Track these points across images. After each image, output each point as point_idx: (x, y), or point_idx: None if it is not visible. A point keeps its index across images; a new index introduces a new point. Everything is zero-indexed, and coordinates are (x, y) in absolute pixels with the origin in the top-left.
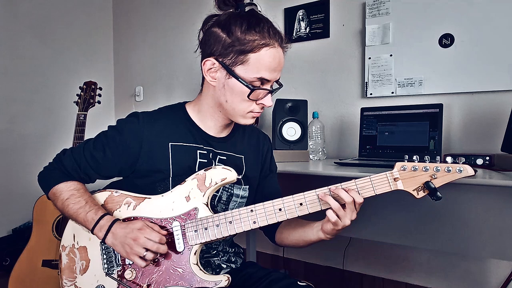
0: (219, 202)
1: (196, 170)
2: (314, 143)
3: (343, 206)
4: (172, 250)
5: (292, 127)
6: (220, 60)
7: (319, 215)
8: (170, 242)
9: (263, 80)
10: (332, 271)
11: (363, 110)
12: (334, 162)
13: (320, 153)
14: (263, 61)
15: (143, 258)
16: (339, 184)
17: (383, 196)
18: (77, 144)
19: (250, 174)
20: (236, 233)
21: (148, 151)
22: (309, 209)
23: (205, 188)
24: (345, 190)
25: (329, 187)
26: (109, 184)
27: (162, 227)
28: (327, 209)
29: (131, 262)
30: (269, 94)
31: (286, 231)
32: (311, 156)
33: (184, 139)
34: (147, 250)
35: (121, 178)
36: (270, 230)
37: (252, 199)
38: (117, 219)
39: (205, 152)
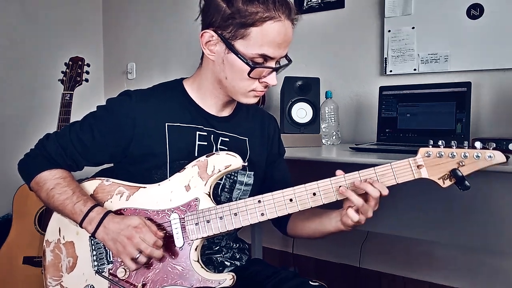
0: (222, 191)
1: (196, 154)
2: (327, 126)
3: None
4: (170, 245)
5: (303, 108)
6: (219, 32)
7: (334, 205)
8: (168, 236)
9: (266, 57)
10: (347, 269)
11: (382, 89)
12: (350, 147)
13: (334, 137)
14: (266, 36)
15: (135, 260)
16: (357, 173)
17: (405, 185)
18: (62, 128)
19: (255, 158)
20: (242, 227)
21: (142, 133)
22: (324, 199)
23: (207, 176)
24: (370, 183)
25: (349, 177)
26: (99, 171)
27: (159, 225)
28: (347, 205)
29: None
30: (274, 72)
31: (300, 222)
32: (324, 141)
33: (181, 119)
34: (140, 252)
35: (112, 165)
36: (280, 220)
37: (258, 187)
38: (110, 211)
39: (205, 133)
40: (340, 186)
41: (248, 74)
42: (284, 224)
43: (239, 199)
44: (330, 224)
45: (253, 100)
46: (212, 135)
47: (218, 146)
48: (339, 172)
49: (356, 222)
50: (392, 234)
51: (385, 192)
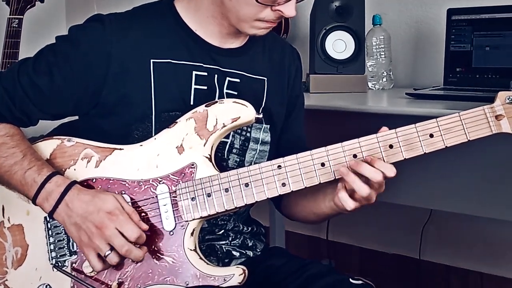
0: (230, 153)
1: (191, 102)
2: (376, 63)
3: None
4: (157, 229)
5: (341, 39)
6: None
7: None
8: (154, 217)
9: None
10: (402, 262)
11: (451, 12)
12: (406, 93)
13: (385, 80)
14: None
15: (102, 257)
16: (414, 126)
17: (480, 144)
18: (9, 67)
19: (273, 107)
20: (256, 202)
21: (119, 74)
22: None
23: (207, 133)
24: (368, 162)
25: (401, 132)
26: (56, 128)
27: (139, 204)
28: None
29: None
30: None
31: (294, 199)
32: (370, 84)
33: (173, 54)
34: (112, 248)
35: (77, 118)
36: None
37: (275, 148)
38: (74, 182)
39: (205, 73)
40: (344, 164)
41: None
42: (279, 200)
43: (254, 164)
44: (324, 203)
45: (261, 32)
46: (215, 75)
47: (225, 91)
48: (384, 129)
49: (353, 209)
50: (465, 214)
51: (391, 173)
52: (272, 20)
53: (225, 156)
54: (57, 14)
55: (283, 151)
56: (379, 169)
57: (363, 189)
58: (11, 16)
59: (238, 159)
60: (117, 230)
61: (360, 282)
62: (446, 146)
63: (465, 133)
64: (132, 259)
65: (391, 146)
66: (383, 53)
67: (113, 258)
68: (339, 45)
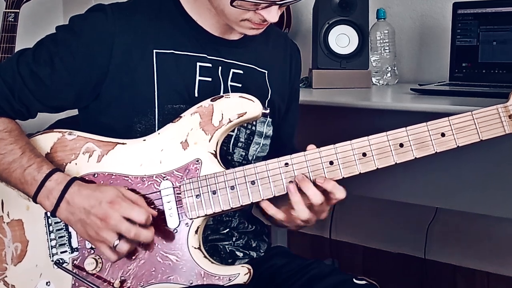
0: (235, 146)
1: (196, 94)
2: (380, 58)
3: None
4: (160, 226)
5: (344, 34)
6: None
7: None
8: (157, 213)
9: None
10: (407, 262)
11: (456, 5)
12: (411, 89)
13: (389, 75)
14: None
15: (113, 248)
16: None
17: (486, 141)
18: (6, 58)
19: (276, 100)
20: (262, 200)
21: (122, 64)
22: (377, 161)
23: (212, 128)
24: (314, 182)
25: (411, 130)
26: (56, 122)
27: (145, 198)
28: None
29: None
30: (275, 5)
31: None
32: (374, 80)
33: (176, 44)
34: (121, 236)
35: (76, 111)
36: None
37: (274, 142)
38: (75, 179)
39: (209, 64)
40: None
41: (231, 2)
42: None
43: (256, 158)
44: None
45: (251, 32)
46: (220, 67)
47: (229, 83)
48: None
49: (305, 221)
50: (471, 213)
51: (341, 195)
52: (258, 22)
53: (230, 150)
54: (54, 7)
55: (275, 146)
56: (325, 188)
57: (317, 198)
58: (7, 10)
59: (243, 153)
60: (123, 217)
61: (364, 282)
62: (458, 146)
63: (478, 133)
64: (143, 240)
65: (401, 145)
66: (387, 48)
67: (122, 247)
68: (342, 39)
